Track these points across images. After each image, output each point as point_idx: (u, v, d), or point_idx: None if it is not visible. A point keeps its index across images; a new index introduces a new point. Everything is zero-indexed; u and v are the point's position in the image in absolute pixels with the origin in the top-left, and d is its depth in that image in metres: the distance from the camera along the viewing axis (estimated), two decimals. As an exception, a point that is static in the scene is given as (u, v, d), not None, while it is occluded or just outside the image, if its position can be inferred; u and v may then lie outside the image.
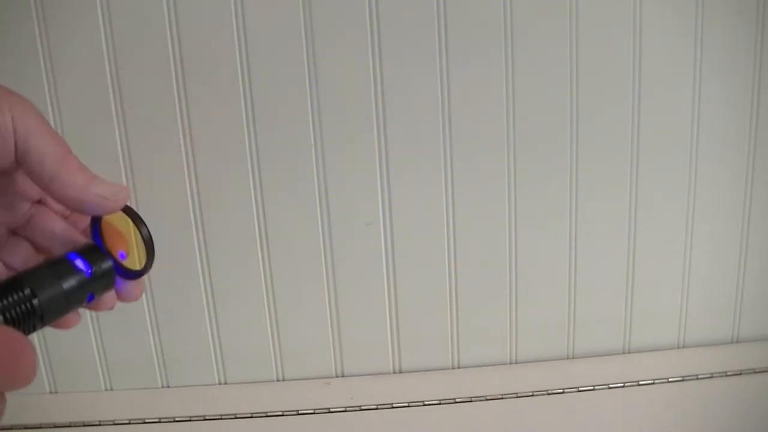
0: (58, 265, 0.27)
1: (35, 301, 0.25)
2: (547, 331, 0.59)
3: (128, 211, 0.29)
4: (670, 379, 0.57)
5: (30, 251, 0.30)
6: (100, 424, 0.54)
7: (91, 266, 0.28)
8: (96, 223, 0.29)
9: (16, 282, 0.25)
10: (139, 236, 0.30)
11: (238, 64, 0.51)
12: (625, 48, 0.53)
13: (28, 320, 0.25)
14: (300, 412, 0.55)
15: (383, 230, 0.55)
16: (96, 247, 0.29)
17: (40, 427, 0.54)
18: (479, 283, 0.57)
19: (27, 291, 0.25)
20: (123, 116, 0.52)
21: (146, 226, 0.30)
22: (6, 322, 0.24)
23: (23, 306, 0.24)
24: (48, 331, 0.28)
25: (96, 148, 0.52)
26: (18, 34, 0.50)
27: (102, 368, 0.57)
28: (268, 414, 0.55)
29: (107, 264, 0.29)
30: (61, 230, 0.30)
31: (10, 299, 0.24)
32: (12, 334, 0.22)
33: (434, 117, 0.53)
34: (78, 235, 0.31)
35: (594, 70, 0.53)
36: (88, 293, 0.28)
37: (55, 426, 0.54)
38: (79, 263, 0.28)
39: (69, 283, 0.27)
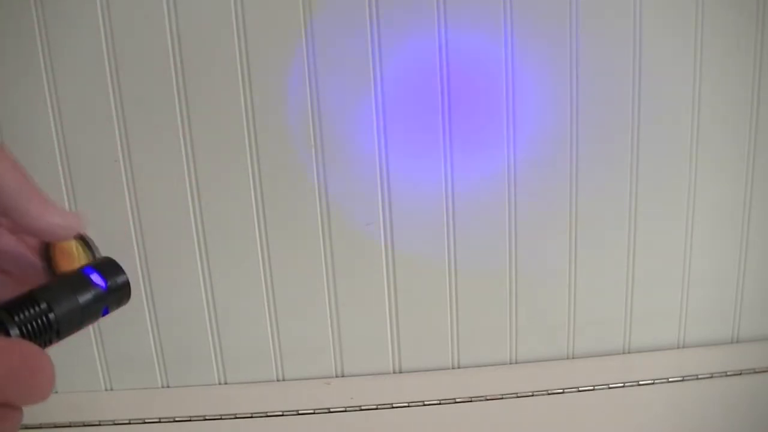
0: (73, 280, 0.27)
1: (51, 315, 0.25)
2: (547, 331, 0.59)
3: (82, 238, 0.30)
4: (670, 379, 0.57)
5: None
6: (100, 424, 0.54)
7: (107, 280, 0.28)
8: (48, 245, 0.30)
9: (32, 296, 0.25)
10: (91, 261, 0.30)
11: (238, 64, 0.51)
12: (625, 49, 0.53)
13: (44, 334, 0.25)
14: (300, 412, 0.55)
15: (383, 230, 0.55)
16: (112, 261, 0.29)
17: (40, 427, 0.54)
18: (479, 283, 0.57)
19: (43, 305, 0.25)
20: (123, 116, 0.52)
21: (98, 251, 0.30)
22: (22, 336, 0.24)
23: (40, 320, 0.24)
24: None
25: (96, 148, 0.52)
26: (18, 34, 0.50)
27: (102, 368, 0.57)
28: (268, 414, 0.55)
29: (122, 278, 0.29)
30: (12, 247, 0.30)
31: (26, 313, 0.24)
32: (30, 348, 0.22)
33: (434, 117, 0.53)
34: (28, 252, 0.31)
35: (594, 71, 0.53)
36: (104, 307, 0.28)
37: (55, 426, 0.54)
38: (94, 277, 0.28)
39: (85, 297, 0.27)
